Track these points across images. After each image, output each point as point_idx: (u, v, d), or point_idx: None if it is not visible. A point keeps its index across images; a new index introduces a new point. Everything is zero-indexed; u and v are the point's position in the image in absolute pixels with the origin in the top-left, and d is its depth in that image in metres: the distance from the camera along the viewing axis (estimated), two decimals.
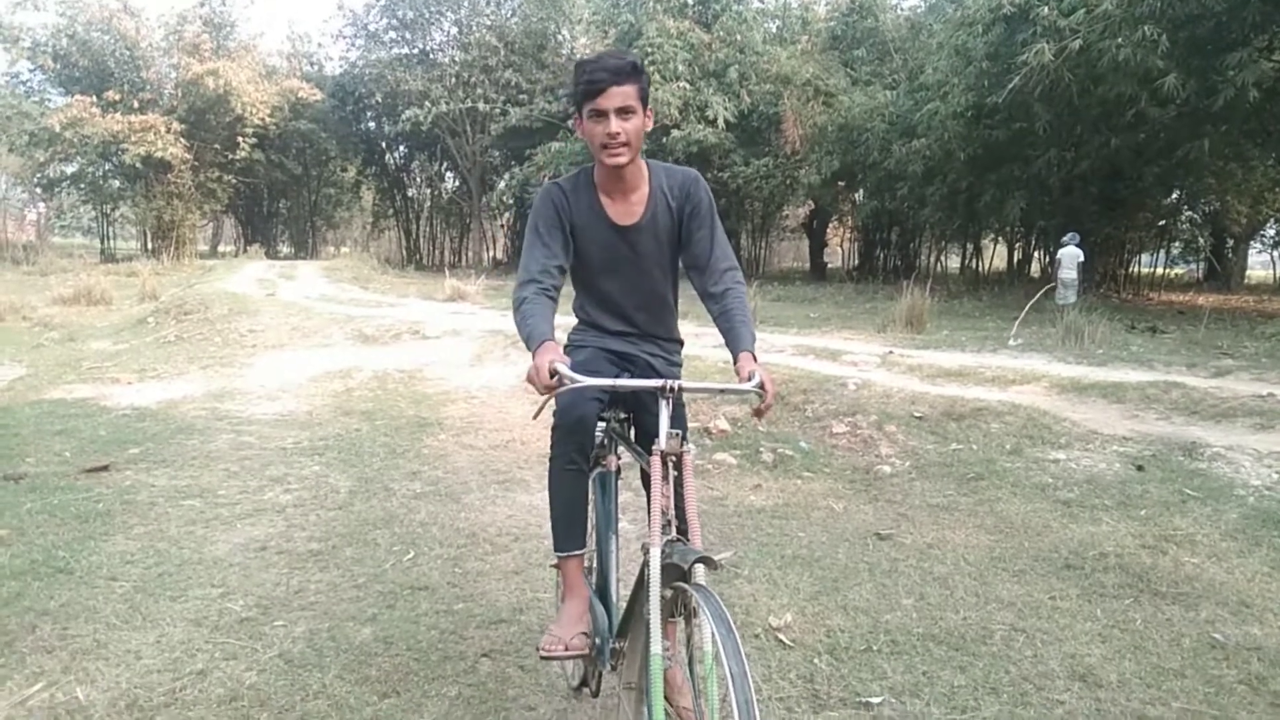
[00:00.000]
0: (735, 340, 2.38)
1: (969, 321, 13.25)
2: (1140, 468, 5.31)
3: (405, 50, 34.43)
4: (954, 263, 33.73)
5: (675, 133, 24.34)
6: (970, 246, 28.92)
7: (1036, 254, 27.61)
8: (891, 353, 8.83)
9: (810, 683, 3.05)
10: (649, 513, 2.09)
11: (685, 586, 1.94)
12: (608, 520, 2.69)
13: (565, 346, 2.55)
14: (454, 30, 34.06)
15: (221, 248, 45.10)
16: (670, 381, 2.15)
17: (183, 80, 31.46)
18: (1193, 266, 35.50)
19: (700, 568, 1.93)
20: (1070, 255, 15.55)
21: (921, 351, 9.12)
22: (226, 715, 2.83)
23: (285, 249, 43.72)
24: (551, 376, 2.10)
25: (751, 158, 25.59)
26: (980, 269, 28.87)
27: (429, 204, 43.05)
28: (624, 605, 2.45)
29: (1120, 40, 14.62)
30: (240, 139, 32.16)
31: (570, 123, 28.48)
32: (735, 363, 2.32)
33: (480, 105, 31.13)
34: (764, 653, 3.25)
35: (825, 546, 4.37)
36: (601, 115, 2.33)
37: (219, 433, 6.76)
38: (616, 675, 2.39)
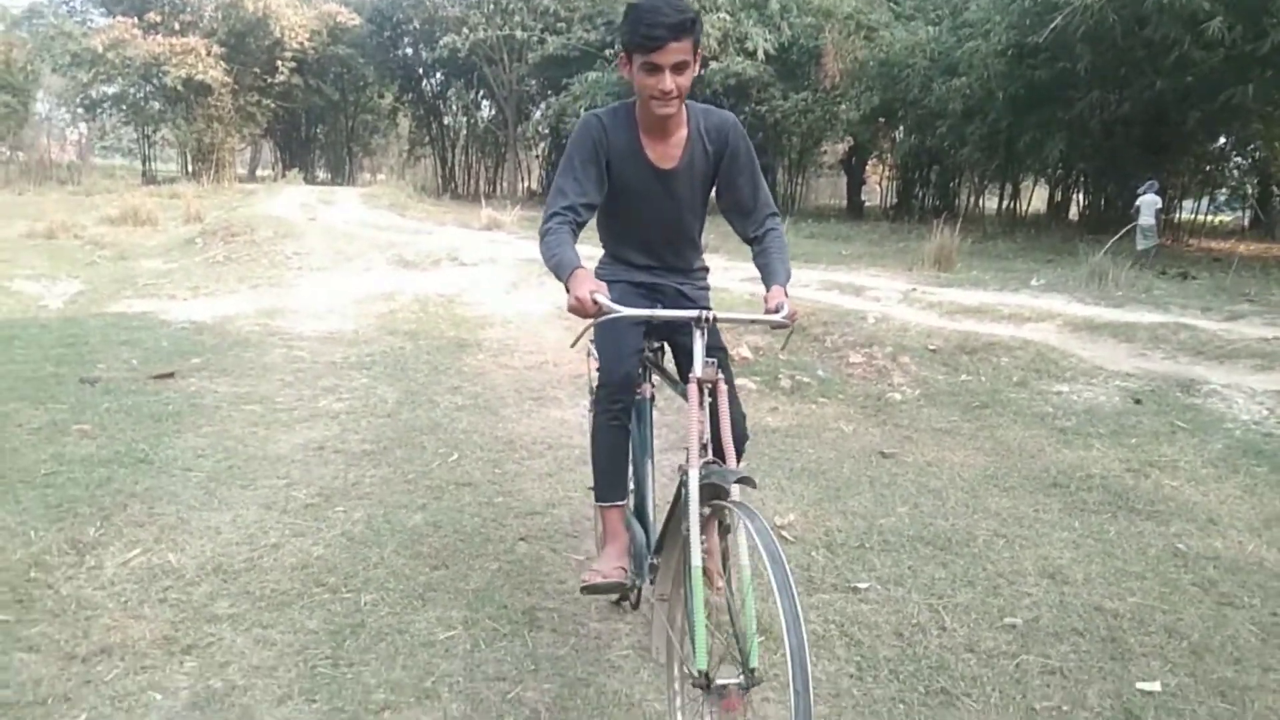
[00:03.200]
0: (770, 275, 2.48)
1: (1000, 263, 13.43)
2: (1138, 401, 5.64)
3: None
4: (992, 204, 33.49)
5: (714, 64, 24.24)
6: (1009, 187, 28.70)
7: (1076, 197, 27.37)
8: (915, 290, 9.12)
9: (806, 570, 3.48)
10: (689, 436, 2.16)
11: (724, 504, 2.07)
12: (644, 446, 2.79)
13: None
14: None
15: (260, 172, 45.61)
16: (705, 312, 2.23)
17: (222, 3, 31.65)
18: (1239, 214, 34.98)
19: (738, 487, 2.04)
20: (1149, 203, 15.74)
21: (945, 289, 9.40)
22: (299, 579, 3.31)
23: (322, 175, 44.12)
24: (594, 305, 2.18)
25: (790, 92, 25.44)
26: (1018, 210, 28.69)
27: (465, 133, 43.12)
28: (659, 525, 2.60)
29: None
30: (279, 63, 32.43)
31: (611, 53, 28.44)
32: (767, 294, 2.41)
33: (518, 33, 31.04)
34: None
35: (832, 462, 4.78)
36: (656, 69, 2.32)
37: (272, 347, 7.25)
38: (652, 588, 2.59)
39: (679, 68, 2.33)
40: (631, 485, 2.85)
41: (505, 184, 39.64)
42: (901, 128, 27.30)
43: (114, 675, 2.65)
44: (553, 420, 5.52)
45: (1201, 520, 4.06)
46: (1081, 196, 27.13)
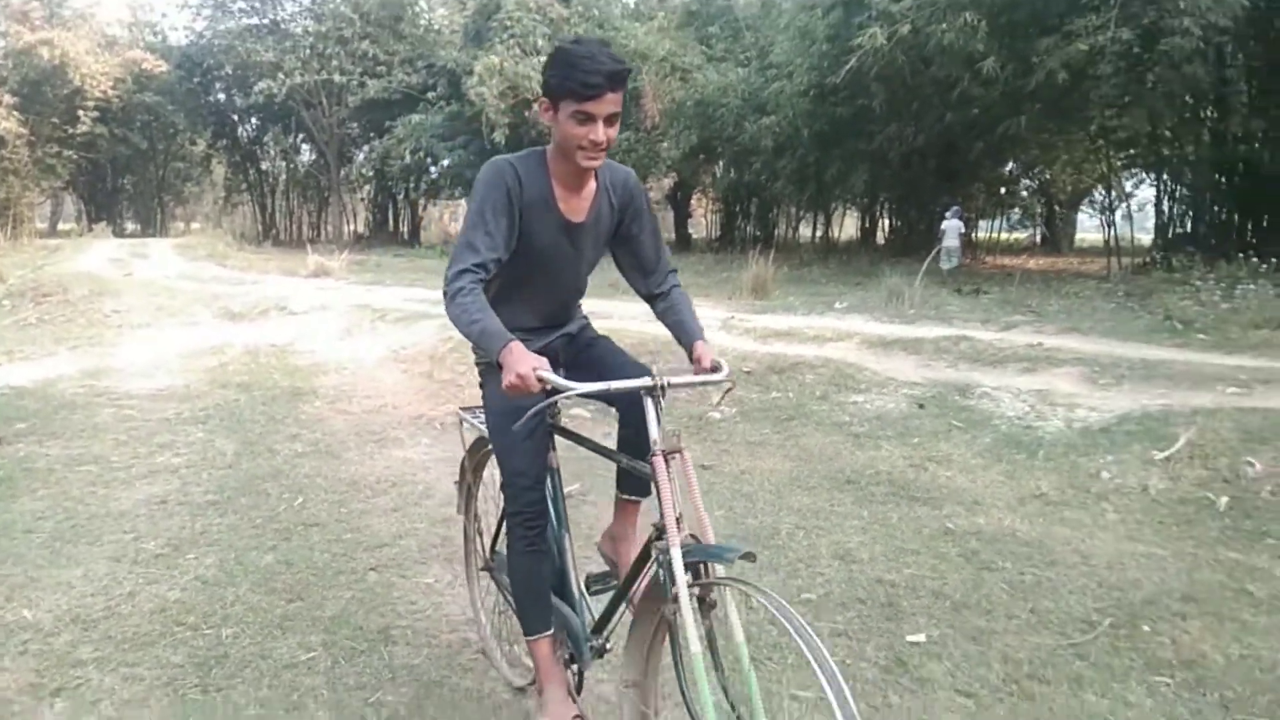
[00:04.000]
0: (687, 331, 2.46)
1: (813, 288, 14.50)
2: (921, 405, 6.44)
3: (255, 20, 33.65)
4: (808, 232, 35.48)
5: (537, 107, 24.88)
6: (822, 216, 30.63)
7: (882, 223, 29.50)
8: (733, 317, 9.86)
9: None
10: (661, 513, 2.04)
11: (717, 582, 2.01)
12: (559, 519, 2.67)
13: (480, 364, 2.62)
14: (306, 0, 33.49)
15: (62, 225, 42.98)
16: (660, 379, 2.12)
17: (13, 50, 29.94)
18: (1030, 231, 38.44)
19: (720, 566, 2.01)
20: (953, 227, 17.32)
21: (760, 316, 10.19)
22: (158, 621, 3.50)
23: (131, 226, 42.03)
24: (538, 383, 2.05)
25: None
26: (830, 238, 30.61)
27: (284, 177, 42.18)
28: (583, 600, 2.58)
29: (945, 25, 16.01)
30: (80, 112, 30.90)
31: (433, 95, 28.62)
32: (692, 352, 2.39)
33: (336, 77, 30.83)
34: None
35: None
36: (589, 119, 2.20)
37: (100, 407, 7.18)
38: (612, 675, 2.58)
39: (611, 119, 2.23)
40: (554, 562, 2.67)
41: (330, 228, 38.97)
42: (721, 163, 28.75)
43: None
44: (395, 460, 5.79)
45: (968, 502, 4.79)
46: (887, 222, 29.25)
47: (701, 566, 2.01)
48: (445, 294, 2.26)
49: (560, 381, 2.06)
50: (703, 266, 21.88)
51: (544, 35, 25.36)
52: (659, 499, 2.03)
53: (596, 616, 2.57)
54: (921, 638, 3.37)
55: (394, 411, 7.12)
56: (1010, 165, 27.83)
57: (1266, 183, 17.27)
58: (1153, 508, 4.68)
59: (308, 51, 31.47)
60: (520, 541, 2.52)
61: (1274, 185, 17.12)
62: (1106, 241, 20.79)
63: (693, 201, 38.66)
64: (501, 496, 2.65)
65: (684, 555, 1.98)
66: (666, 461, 2.06)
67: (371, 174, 33.33)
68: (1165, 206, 19.27)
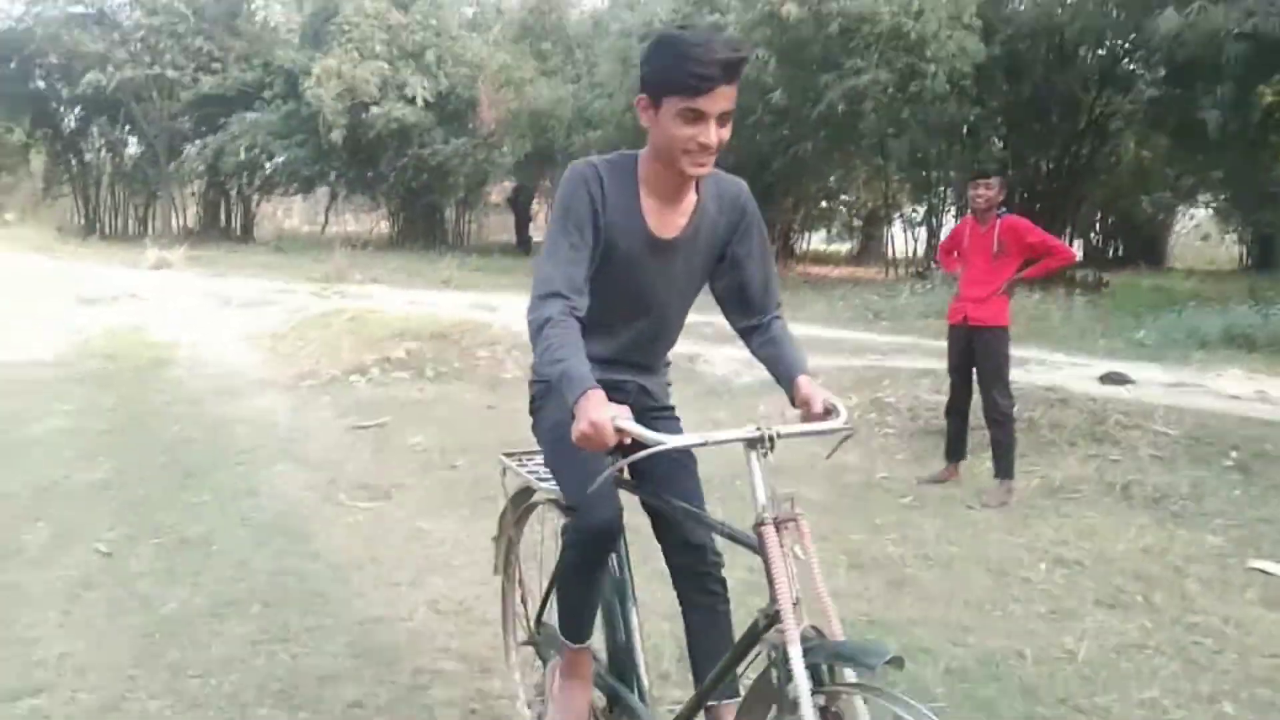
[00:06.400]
0: (787, 365, 2.13)
1: None
2: None
3: (81, 9, 33.59)
4: None
5: (375, 109, 26.42)
6: None
7: None
8: None
9: (421, 456, 6.02)
10: (773, 596, 1.70)
11: (853, 691, 1.65)
12: (623, 586, 2.33)
13: (538, 380, 2.31)
14: None
15: None
16: (768, 429, 1.79)
17: None
18: (851, 244, 42.45)
19: (850, 670, 1.66)
20: None
21: None
22: (93, 490, 5.34)
23: None
24: (617, 434, 1.76)
25: (451, 137, 28.19)
26: None
27: (110, 170, 41.73)
28: (649, 693, 2.28)
29: None
30: None
31: (269, 94, 29.62)
32: (795, 390, 2.06)
33: (169, 72, 31.32)
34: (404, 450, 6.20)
35: (453, 414, 7.38)
36: (700, 117, 1.92)
37: None
38: None
39: (724, 117, 1.96)
40: (600, 631, 2.34)
41: (158, 222, 38.98)
42: (558, 171, 31.04)
43: None
44: (247, 406, 7.68)
45: None
46: None
47: (826, 668, 1.67)
48: (530, 322, 1.98)
49: (644, 433, 1.77)
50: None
51: (382, 41, 26.94)
52: (770, 577, 1.71)
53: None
54: None
55: (244, 376, 8.96)
56: (830, 181, 31.24)
57: (1007, 204, 20.80)
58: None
59: (139, 45, 31.79)
60: (579, 556, 2.17)
61: (1011, 208, 20.68)
62: (893, 254, 24.17)
63: (534, 206, 40.70)
64: (545, 558, 2.50)
65: (806, 654, 1.65)
66: (779, 531, 1.74)
67: (204, 169, 33.79)
68: (932, 223, 22.72)
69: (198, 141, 32.35)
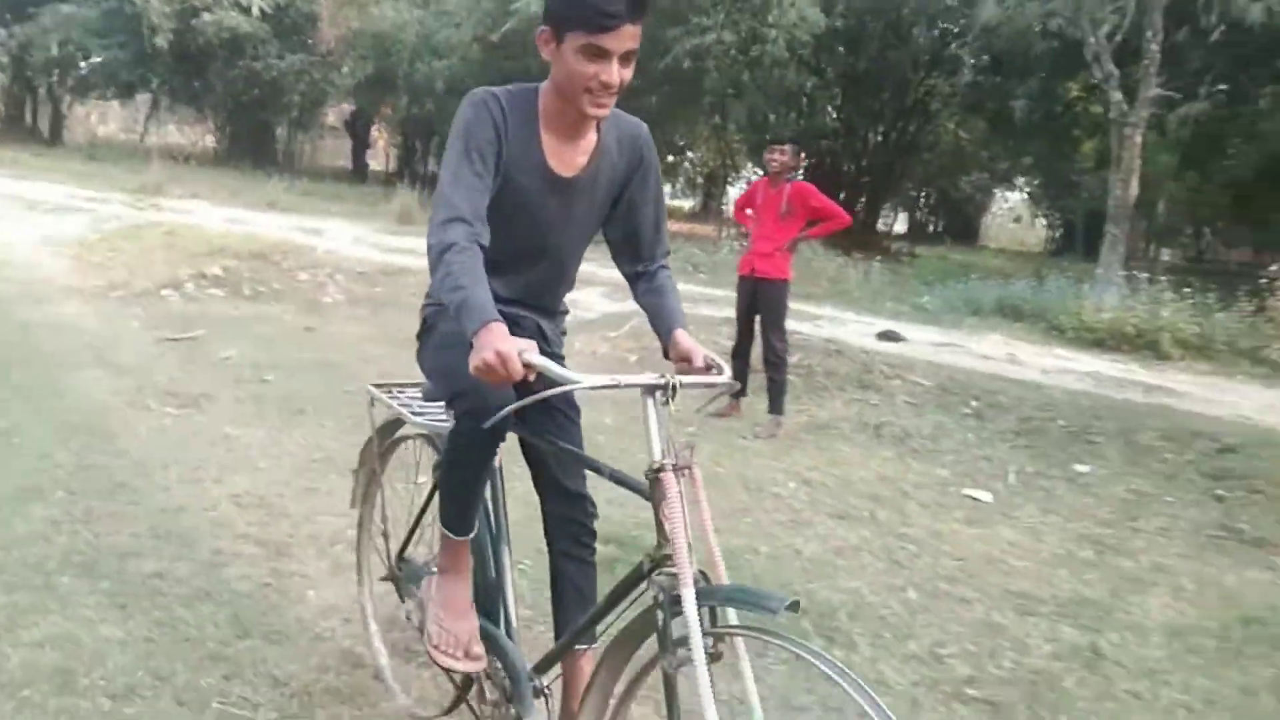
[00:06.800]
0: (667, 316, 2.15)
1: None
2: None
3: None
4: None
5: (207, 16, 25.11)
6: None
7: None
8: (368, 236, 12.14)
9: (233, 370, 6.18)
10: (669, 541, 1.72)
11: (748, 633, 1.76)
12: (499, 529, 2.34)
13: (431, 303, 2.23)
14: None
15: None
16: (671, 378, 1.79)
17: None
18: (694, 201, 43.42)
19: (748, 614, 1.72)
20: None
21: (393, 237, 12.55)
22: None
23: None
24: (524, 368, 1.70)
25: (288, 52, 27.12)
26: None
27: None
28: (516, 632, 2.30)
29: None
30: None
31: None
32: (672, 342, 2.09)
33: None
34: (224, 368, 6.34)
35: (269, 333, 7.52)
36: (602, 55, 1.87)
37: None
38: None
39: (627, 57, 1.91)
40: (479, 580, 2.30)
41: None
42: (404, 98, 30.35)
43: None
44: (53, 312, 7.57)
45: None
46: None
47: (708, 611, 1.72)
48: (432, 246, 1.89)
49: (555, 369, 1.74)
50: (372, 197, 23.51)
51: None
52: (664, 523, 1.74)
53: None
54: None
55: (51, 283, 8.73)
56: (675, 137, 31.77)
57: (838, 173, 21.94)
58: (595, 361, 7.58)
59: None
60: (466, 444, 2.08)
61: (839, 175, 21.82)
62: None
63: (373, 132, 39.60)
64: (411, 495, 2.56)
65: (700, 597, 1.68)
66: (677, 479, 1.76)
67: (7, 61, 31.19)
68: None
69: (1, 30, 29.85)
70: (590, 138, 2.09)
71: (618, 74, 1.90)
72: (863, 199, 26.46)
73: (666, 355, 2.12)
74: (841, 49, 22.45)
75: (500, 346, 1.68)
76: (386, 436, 2.71)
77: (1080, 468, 5.54)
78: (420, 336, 2.30)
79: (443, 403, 2.22)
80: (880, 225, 29.06)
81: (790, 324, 6.29)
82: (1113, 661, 3.29)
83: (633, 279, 2.27)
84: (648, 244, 2.24)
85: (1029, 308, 10.37)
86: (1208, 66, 14.10)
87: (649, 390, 1.79)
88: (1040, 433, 6.06)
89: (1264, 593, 4.13)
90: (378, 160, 44.05)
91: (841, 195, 26.08)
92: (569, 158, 2.08)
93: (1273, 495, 5.18)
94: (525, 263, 2.16)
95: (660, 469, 1.75)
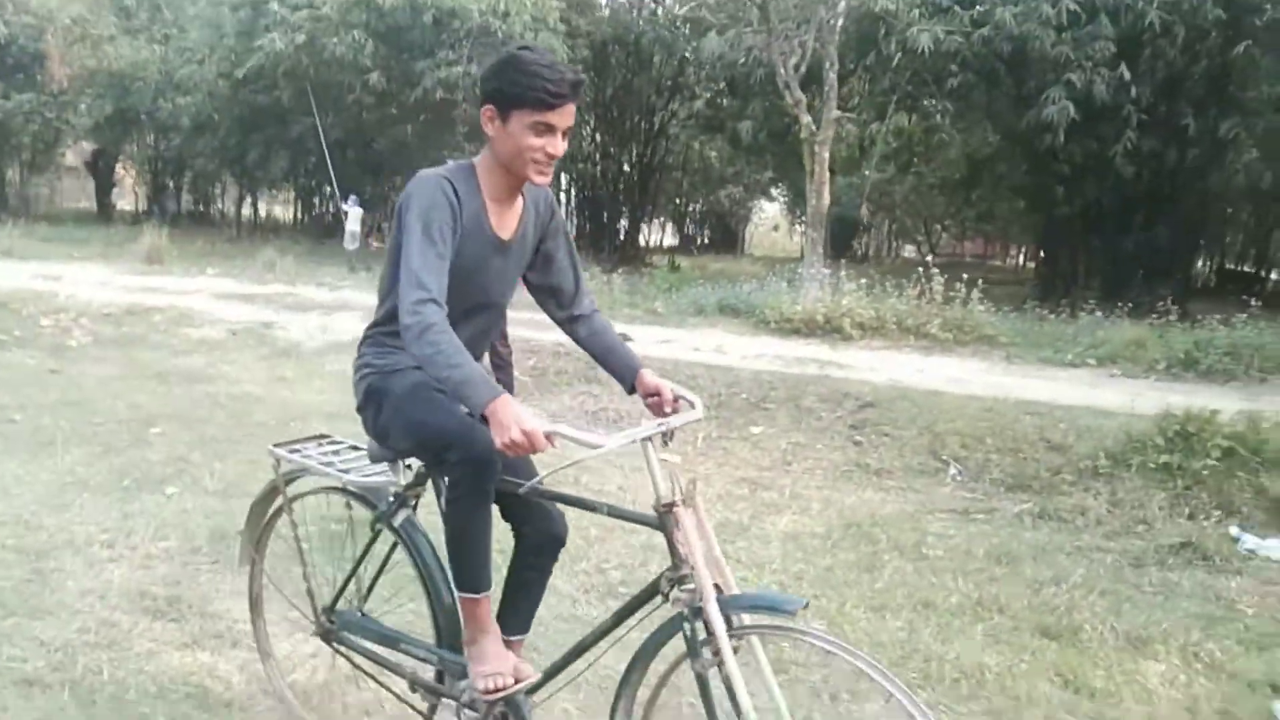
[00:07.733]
0: (625, 361, 2.44)
1: (207, 258, 17.02)
2: (234, 334, 9.55)
3: None
4: (250, 210, 36.98)
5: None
6: (250, 196, 32.63)
7: (316, 206, 32.36)
8: (114, 279, 12.17)
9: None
10: (683, 565, 2.06)
11: (764, 631, 2.08)
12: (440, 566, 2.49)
13: (373, 372, 2.39)
14: None
15: None
16: (668, 424, 2.13)
17: None
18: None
19: (759, 615, 2.07)
20: (355, 213, 20.02)
21: (141, 277, 12.65)
22: None
23: None
24: (547, 442, 1.92)
25: (13, 91, 25.73)
26: (259, 218, 32.84)
27: None
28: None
29: (336, 39, 19.18)
30: None
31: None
32: (640, 384, 2.38)
33: None
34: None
35: (13, 377, 7.66)
36: (548, 130, 2.15)
37: None
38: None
39: (567, 131, 2.21)
40: (424, 603, 2.54)
41: None
42: (151, 135, 29.32)
43: None
44: None
45: (233, 380, 7.92)
46: (319, 206, 32.11)
47: (725, 617, 2.02)
48: (410, 325, 2.05)
49: (576, 435, 1.95)
50: (119, 238, 22.63)
51: None
52: (678, 549, 2.05)
53: None
54: (159, 430, 6.33)
55: None
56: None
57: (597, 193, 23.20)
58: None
59: None
60: (470, 488, 2.22)
61: (597, 195, 23.11)
62: None
63: (119, 170, 37.79)
64: (329, 546, 2.79)
65: (723, 606, 2.01)
66: (691, 510, 2.06)
67: None
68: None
69: None
70: (519, 202, 2.36)
71: (560, 146, 2.19)
72: (623, 216, 28.06)
73: (630, 391, 2.43)
74: (590, 77, 23.82)
75: (526, 425, 1.90)
76: (278, 493, 2.76)
77: (754, 429, 6.76)
78: (365, 406, 2.43)
79: (386, 464, 2.45)
80: (641, 240, 30.72)
81: (525, 331, 7.19)
82: (732, 560, 4.36)
83: (566, 323, 2.54)
84: (570, 292, 2.51)
85: (743, 306, 11.80)
86: (893, 86, 16.25)
87: (643, 442, 2.08)
88: (726, 405, 7.26)
89: (872, 508, 5.39)
90: (126, 199, 41.96)
91: (604, 214, 27.71)
92: (507, 221, 2.33)
93: (897, 437, 6.56)
94: (473, 315, 2.36)
95: (671, 504, 2.05)
